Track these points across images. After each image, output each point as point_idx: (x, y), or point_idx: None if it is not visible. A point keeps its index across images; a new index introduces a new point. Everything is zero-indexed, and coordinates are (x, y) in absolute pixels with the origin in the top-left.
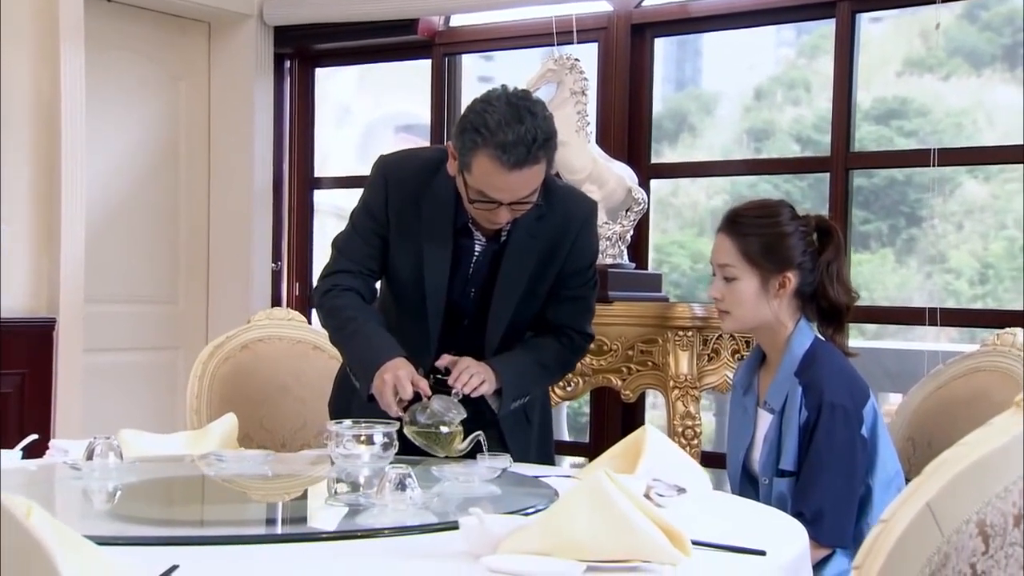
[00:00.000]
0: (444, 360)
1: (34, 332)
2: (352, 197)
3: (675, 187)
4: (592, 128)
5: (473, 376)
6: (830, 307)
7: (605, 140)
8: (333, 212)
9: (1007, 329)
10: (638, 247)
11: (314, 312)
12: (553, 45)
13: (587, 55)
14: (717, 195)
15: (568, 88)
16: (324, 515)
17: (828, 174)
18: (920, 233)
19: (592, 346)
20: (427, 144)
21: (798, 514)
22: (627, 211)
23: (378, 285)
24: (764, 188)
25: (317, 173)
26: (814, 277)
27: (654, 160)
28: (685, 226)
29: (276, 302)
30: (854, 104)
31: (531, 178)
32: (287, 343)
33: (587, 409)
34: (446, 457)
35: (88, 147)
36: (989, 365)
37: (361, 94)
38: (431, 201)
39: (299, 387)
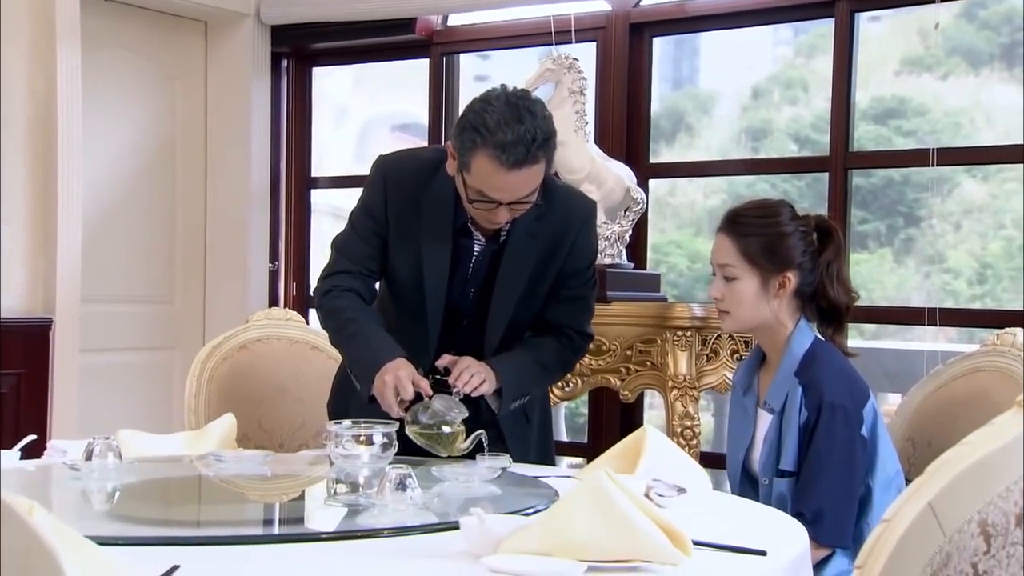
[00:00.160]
0: (444, 360)
1: (30, 332)
2: (349, 197)
3: (672, 187)
4: (590, 128)
5: (474, 376)
6: (830, 307)
7: (603, 140)
8: (330, 212)
9: (1007, 329)
10: (636, 247)
11: (312, 312)
12: (551, 44)
13: (585, 54)
14: (715, 195)
15: (566, 87)
16: (324, 515)
17: (827, 174)
18: (918, 233)
19: (591, 346)
20: (423, 143)
21: (798, 514)
22: (626, 211)
23: (377, 286)
24: (761, 188)
25: (314, 173)
26: (814, 277)
27: (652, 160)
28: (682, 226)
29: (273, 302)
30: (853, 104)
31: (530, 178)
32: (285, 343)
33: (584, 410)
34: (448, 457)
35: (84, 146)
36: (989, 365)
37: (357, 93)
38: (430, 201)
39: (297, 387)
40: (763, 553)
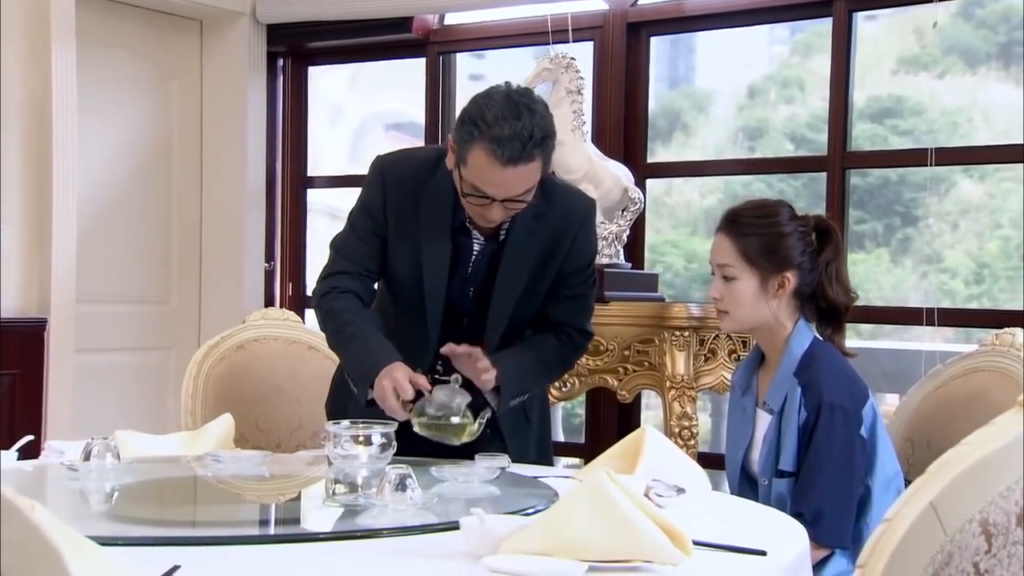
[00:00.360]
0: (447, 348)
1: (25, 332)
2: (345, 196)
3: (668, 186)
4: (588, 127)
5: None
6: (829, 307)
7: (601, 139)
8: (326, 211)
9: (1006, 329)
10: (634, 247)
11: (309, 312)
12: (548, 44)
13: (582, 54)
14: (711, 194)
15: (564, 87)
16: (323, 516)
17: (823, 173)
18: (915, 233)
19: (588, 346)
20: (420, 142)
21: (797, 514)
22: (623, 211)
23: (377, 286)
24: (758, 187)
25: (310, 172)
26: (813, 277)
27: (648, 159)
28: (679, 226)
29: (269, 302)
30: (850, 103)
31: (525, 176)
32: (282, 343)
33: (580, 410)
34: (460, 445)
35: (79, 145)
36: (988, 365)
37: (353, 93)
38: (429, 200)
39: (294, 387)
40: (763, 553)
